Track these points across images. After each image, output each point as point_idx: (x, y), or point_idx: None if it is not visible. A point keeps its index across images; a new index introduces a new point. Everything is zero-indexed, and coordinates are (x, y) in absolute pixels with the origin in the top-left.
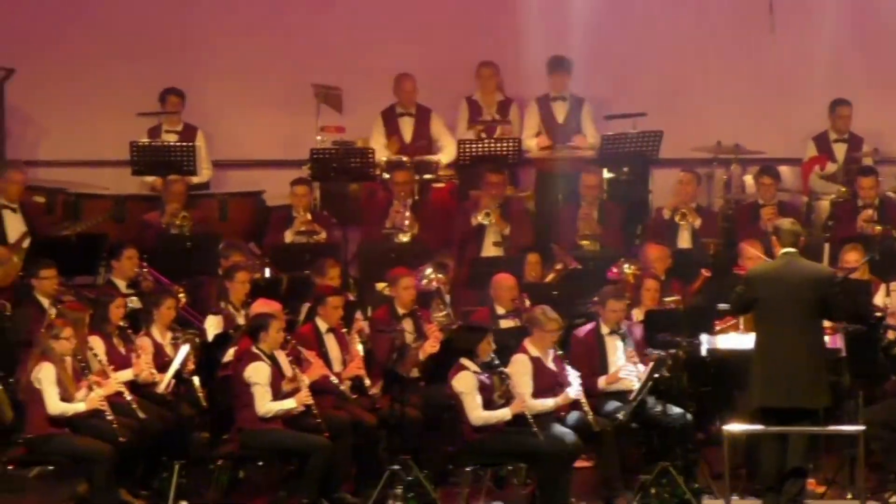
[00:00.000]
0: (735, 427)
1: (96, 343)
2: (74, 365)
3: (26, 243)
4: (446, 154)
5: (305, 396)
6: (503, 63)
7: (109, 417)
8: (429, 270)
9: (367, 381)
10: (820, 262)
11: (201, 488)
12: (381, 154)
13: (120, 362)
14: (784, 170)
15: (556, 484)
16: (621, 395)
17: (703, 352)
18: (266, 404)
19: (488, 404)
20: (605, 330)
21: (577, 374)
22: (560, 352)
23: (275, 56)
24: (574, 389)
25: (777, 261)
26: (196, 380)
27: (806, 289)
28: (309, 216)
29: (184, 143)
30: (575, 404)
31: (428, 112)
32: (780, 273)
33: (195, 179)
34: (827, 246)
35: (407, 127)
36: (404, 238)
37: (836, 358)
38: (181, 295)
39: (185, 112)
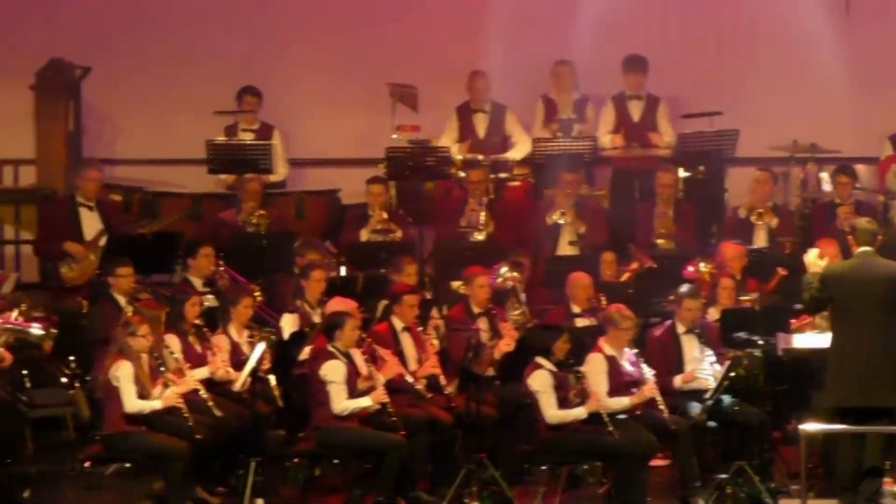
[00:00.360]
0: (811, 426)
1: (172, 341)
2: (151, 363)
3: (103, 241)
4: (518, 150)
5: (381, 395)
6: (579, 61)
7: (186, 415)
8: (504, 269)
9: (443, 380)
10: None
11: (277, 486)
12: (453, 151)
13: (196, 360)
14: (861, 168)
15: (631, 483)
16: (697, 394)
17: (779, 351)
18: (341, 402)
19: (563, 403)
20: (680, 329)
21: (653, 372)
22: (635, 350)
23: (351, 55)
24: (649, 388)
25: (853, 260)
26: (272, 378)
27: (882, 288)
28: (385, 215)
29: (260, 142)
30: (650, 403)
31: (503, 109)
32: (856, 272)
33: (271, 178)
34: None
35: (481, 124)
36: (479, 236)
37: None
38: (257, 293)
39: (262, 111)
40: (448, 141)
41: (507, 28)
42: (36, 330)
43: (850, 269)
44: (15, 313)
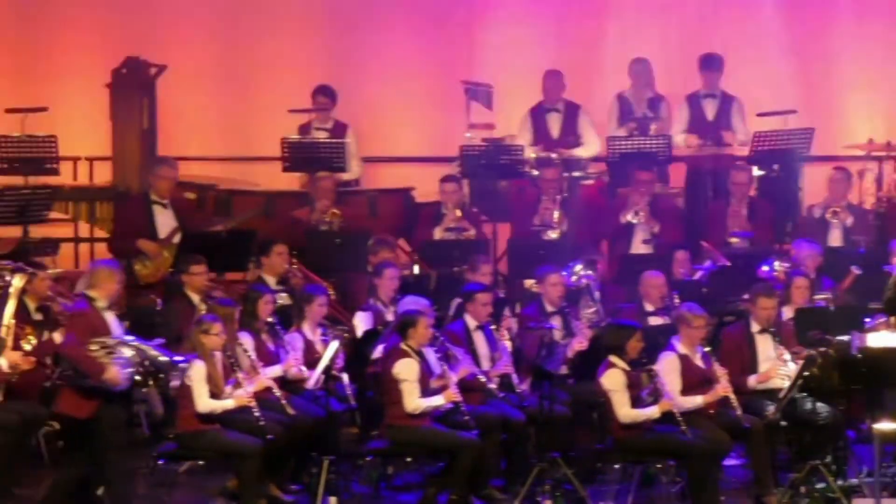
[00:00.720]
0: (885, 425)
1: (245, 339)
2: (224, 361)
3: (176, 239)
4: (586, 149)
5: (454, 393)
6: (655, 59)
7: (257, 414)
8: (578, 267)
9: (515, 379)
10: None
11: (350, 484)
12: (527, 150)
13: (268, 359)
14: None
15: (705, 482)
16: (771, 394)
17: (854, 350)
18: (414, 401)
19: (636, 402)
20: (755, 328)
21: (725, 371)
22: (707, 348)
23: (427, 53)
24: (722, 386)
25: None
26: (345, 376)
27: None
28: (458, 213)
29: (334, 140)
30: (724, 402)
31: (576, 108)
32: None
33: (345, 176)
34: None
35: (554, 123)
36: (553, 235)
37: None
38: (330, 292)
39: (336, 109)
40: (522, 141)
41: (583, 27)
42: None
43: None
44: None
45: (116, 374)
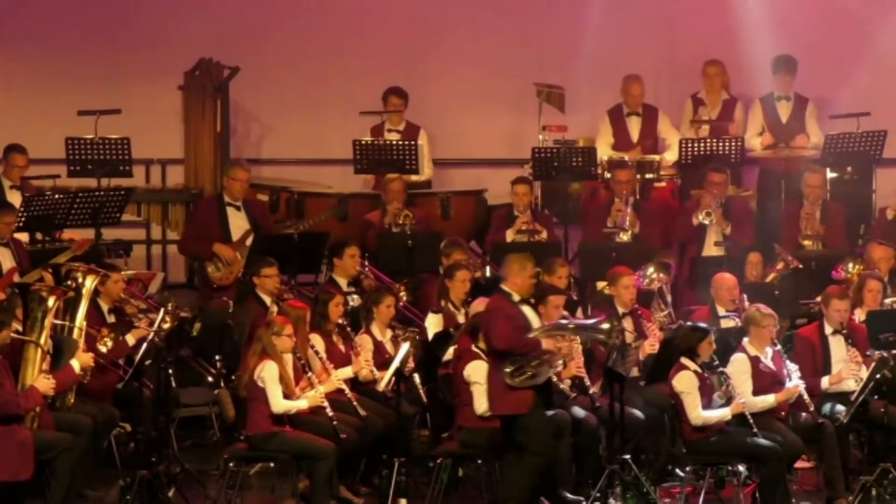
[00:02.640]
0: None
1: (316, 341)
2: (295, 363)
3: (249, 241)
4: (672, 153)
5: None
6: (729, 61)
7: (330, 415)
8: (650, 270)
9: (587, 381)
10: None
11: (421, 486)
12: (606, 153)
13: (340, 360)
14: None
15: (776, 484)
16: (843, 396)
17: None
18: (485, 403)
19: (708, 404)
20: (828, 330)
21: (797, 367)
22: (778, 348)
23: (499, 55)
24: (795, 385)
25: None
26: (416, 378)
27: None
28: (529, 215)
29: (406, 142)
30: (797, 403)
31: (655, 111)
32: None
33: (416, 178)
34: None
35: (634, 126)
36: (625, 237)
37: None
38: (402, 293)
39: (408, 110)
40: (602, 144)
41: (656, 28)
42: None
43: None
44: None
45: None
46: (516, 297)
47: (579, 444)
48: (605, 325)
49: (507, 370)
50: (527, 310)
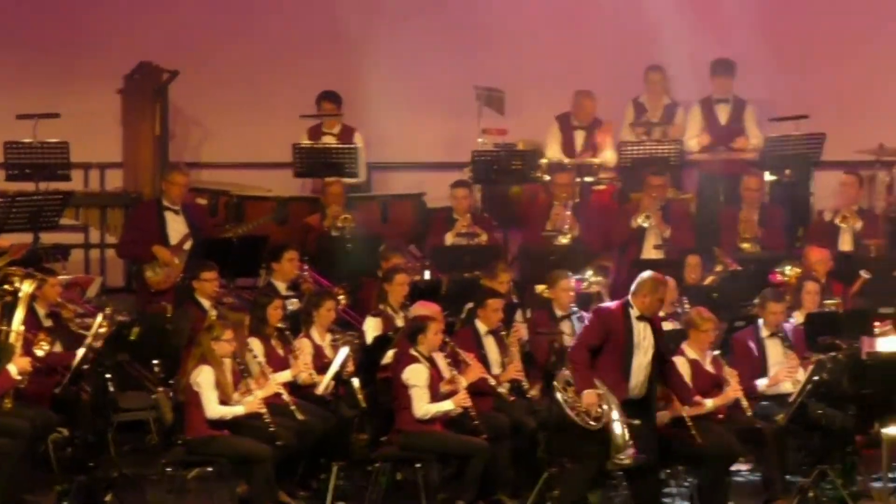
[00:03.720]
0: (894, 430)
1: (255, 345)
2: (234, 367)
3: (188, 245)
4: (612, 156)
5: (463, 399)
6: (668, 66)
7: (268, 420)
8: (589, 273)
9: (525, 384)
10: None
11: (360, 490)
12: (556, 158)
13: (278, 364)
14: None
15: (714, 486)
16: (781, 398)
17: (864, 354)
18: (424, 406)
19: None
20: (765, 332)
21: (735, 373)
22: (717, 352)
23: (438, 58)
24: (733, 389)
25: None
26: (355, 381)
27: None
28: (469, 218)
29: (345, 146)
30: (734, 406)
31: (598, 123)
32: None
33: (351, 181)
34: None
35: (579, 138)
36: (564, 240)
37: None
38: (341, 297)
39: (348, 114)
40: (552, 150)
41: (596, 32)
42: None
43: None
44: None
45: None
46: (636, 313)
47: (518, 447)
48: None
49: None
50: (641, 326)
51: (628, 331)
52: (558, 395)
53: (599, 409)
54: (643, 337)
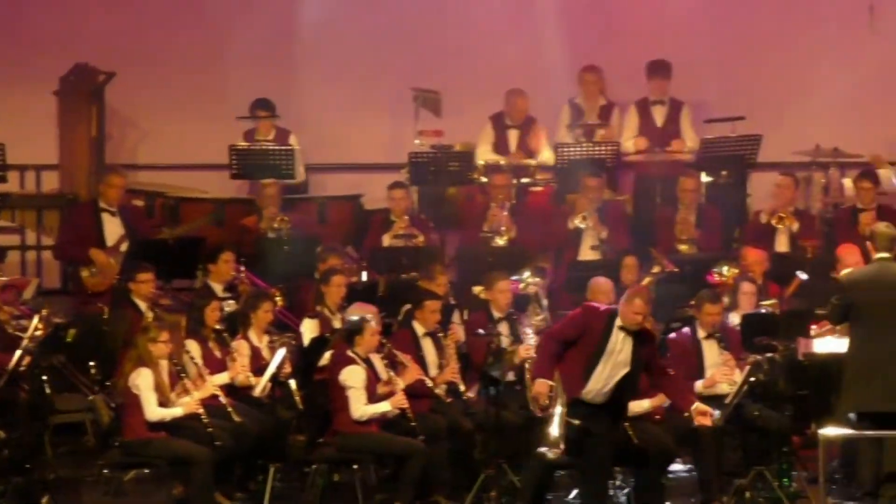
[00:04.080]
0: (831, 431)
1: (192, 347)
2: (171, 369)
3: (124, 247)
4: (548, 157)
5: (400, 400)
6: (605, 67)
7: (205, 421)
8: (526, 274)
9: (462, 386)
10: None
11: (297, 492)
12: (486, 157)
13: (216, 366)
14: (883, 173)
15: (652, 486)
16: (718, 399)
17: (800, 355)
18: (360, 408)
19: None
20: (701, 333)
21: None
22: None
23: (375, 60)
24: None
25: (871, 265)
26: (293, 383)
27: None
28: (406, 220)
29: (283, 147)
30: (671, 407)
31: (533, 122)
32: (875, 278)
33: (291, 182)
34: None
35: (513, 138)
36: (501, 241)
37: None
38: (278, 298)
39: (284, 116)
40: (483, 150)
41: (532, 34)
42: None
43: (868, 275)
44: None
45: None
46: (619, 322)
47: (455, 448)
48: None
49: None
50: (620, 336)
51: (605, 336)
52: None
53: (546, 401)
54: (619, 349)
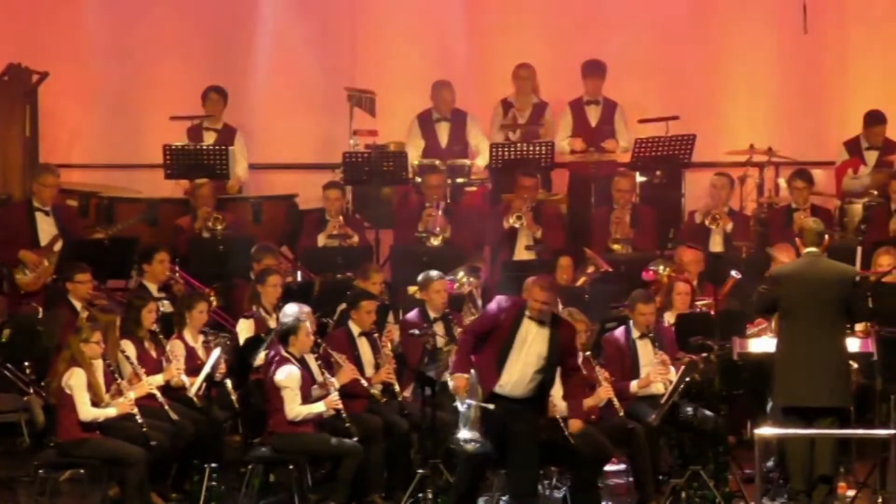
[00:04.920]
0: (766, 430)
1: (127, 347)
2: (105, 369)
3: (58, 247)
4: (482, 158)
5: (335, 400)
6: (538, 65)
7: (140, 421)
8: (461, 274)
9: (397, 386)
10: (853, 265)
11: (233, 492)
12: (415, 157)
13: (151, 366)
14: (817, 173)
15: (587, 488)
16: (653, 399)
17: (735, 355)
18: (295, 408)
19: None
20: (635, 333)
21: (607, 374)
22: (588, 353)
23: (309, 60)
24: (604, 390)
25: (800, 260)
26: (228, 383)
27: (828, 288)
28: (341, 220)
29: (218, 147)
30: (606, 407)
31: (464, 116)
32: (803, 272)
33: (231, 182)
34: (859, 249)
35: (443, 132)
36: (436, 241)
37: (868, 361)
38: (213, 298)
39: (223, 114)
40: (413, 148)
41: (466, 32)
42: None
43: (797, 269)
44: None
45: None
46: (528, 312)
47: (390, 448)
48: None
49: None
50: (531, 326)
51: (514, 327)
52: None
53: (465, 394)
54: (530, 340)
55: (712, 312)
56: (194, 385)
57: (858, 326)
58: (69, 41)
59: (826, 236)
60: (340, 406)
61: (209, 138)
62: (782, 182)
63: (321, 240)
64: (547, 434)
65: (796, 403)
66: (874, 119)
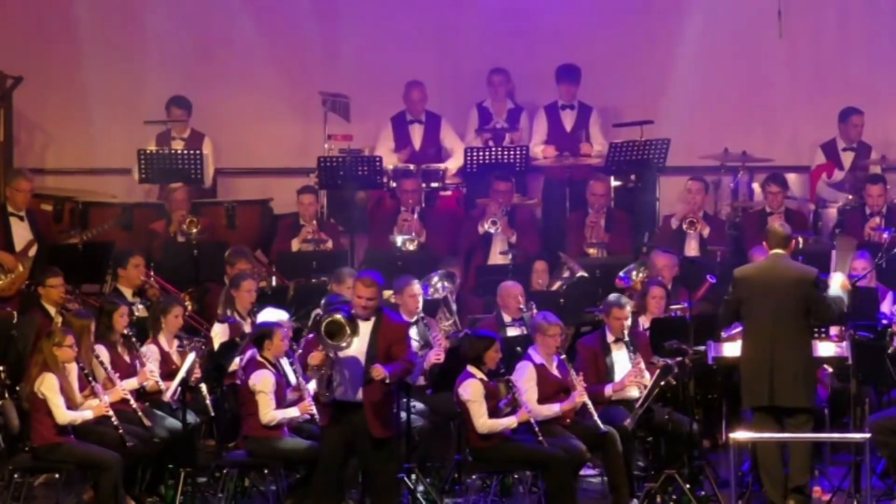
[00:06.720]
0: (741, 434)
1: (101, 351)
2: (78, 373)
3: (33, 251)
4: (455, 161)
5: (309, 405)
6: (514, 71)
7: (116, 423)
8: (435, 279)
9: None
10: (828, 270)
11: (207, 496)
12: (388, 161)
13: (125, 370)
14: (792, 177)
15: (562, 491)
16: (628, 403)
17: (710, 359)
18: (269, 412)
19: (494, 412)
20: (610, 338)
21: (581, 378)
22: (563, 356)
23: (284, 64)
24: (579, 394)
25: (763, 262)
26: (203, 388)
27: (789, 289)
28: (315, 224)
29: (191, 151)
30: (581, 411)
31: (438, 119)
32: (766, 274)
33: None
34: (834, 253)
35: (416, 134)
36: (411, 246)
37: (842, 365)
38: (188, 303)
39: (194, 120)
40: (384, 151)
41: (440, 37)
42: None
43: (760, 270)
44: None
45: None
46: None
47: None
48: None
49: None
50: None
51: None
52: None
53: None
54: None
55: (687, 317)
56: (169, 389)
57: (833, 330)
58: (43, 45)
59: (792, 240)
60: (314, 411)
61: (177, 147)
62: (756, 186)
63: (295, 244)
64: (522, 437)
65: (759, 403)
66: (850, 111)
